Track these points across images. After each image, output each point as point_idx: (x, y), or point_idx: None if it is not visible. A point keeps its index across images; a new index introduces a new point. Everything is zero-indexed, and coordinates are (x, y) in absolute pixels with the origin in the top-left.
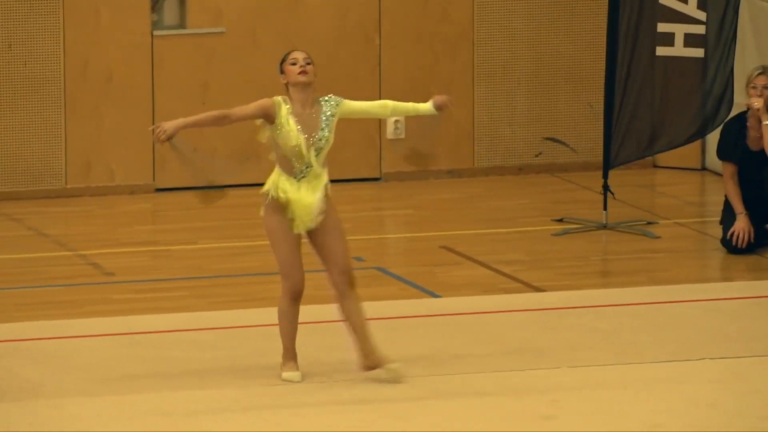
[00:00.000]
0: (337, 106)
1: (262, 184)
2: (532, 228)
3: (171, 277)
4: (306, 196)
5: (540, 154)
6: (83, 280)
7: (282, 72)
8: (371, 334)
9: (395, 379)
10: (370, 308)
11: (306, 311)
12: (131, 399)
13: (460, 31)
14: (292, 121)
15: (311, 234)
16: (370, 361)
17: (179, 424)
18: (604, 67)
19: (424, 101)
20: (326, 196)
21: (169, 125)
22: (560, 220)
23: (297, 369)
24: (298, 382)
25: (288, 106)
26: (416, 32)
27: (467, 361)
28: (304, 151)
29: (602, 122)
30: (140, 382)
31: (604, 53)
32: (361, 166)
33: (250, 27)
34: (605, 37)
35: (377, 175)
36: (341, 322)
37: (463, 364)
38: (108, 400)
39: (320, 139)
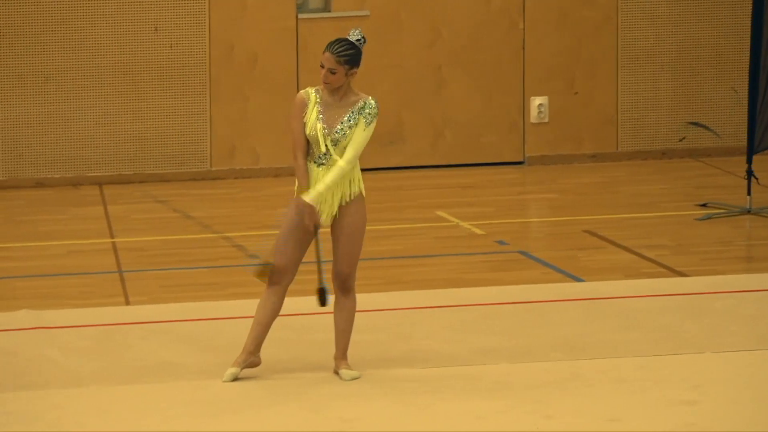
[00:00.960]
0: (367, 113)
1: (405, 168)
2: (676, 213)
3: (313, 260)
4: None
5: (683, 138)
6: (227, 262)
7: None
8: (347, 341)
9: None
10: (513, 292)
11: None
12: (279, 381)
13: (604, 15)
14: (316, 110)
15: (332, 226)
16: (336, 363)
17: (322, 407)
18: (748, 52)
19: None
20: (353, 194)
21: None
22: (704, 205)
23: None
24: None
25: (317, 96)
26: (560, 16)
27: (609, 345)
28: (320, 139)
29: (746, 107)
30: (282, 364)
31: (749, 37)
32: (504, 150)
33: (395, 10)
34: (750, 21)
35: (520, 159)
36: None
37: (605, 349)
38: (256, 381)
39: (338, 131)
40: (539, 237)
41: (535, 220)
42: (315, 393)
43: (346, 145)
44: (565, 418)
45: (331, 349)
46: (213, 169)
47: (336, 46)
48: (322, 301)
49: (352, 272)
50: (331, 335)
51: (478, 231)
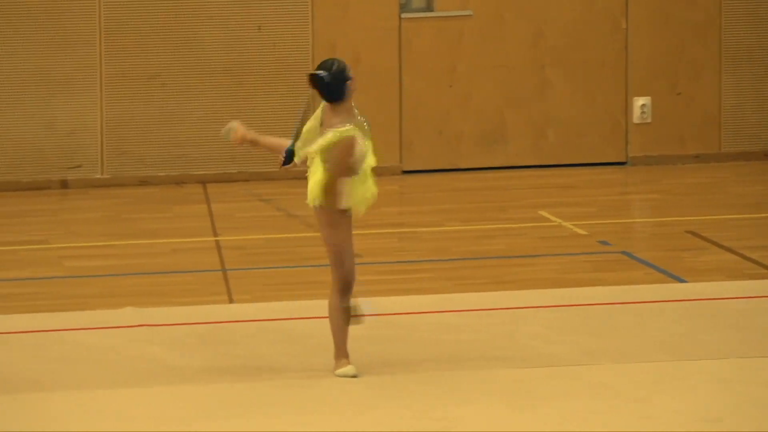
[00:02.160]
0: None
1: (507, 167)
2: None
3: (418, 259)
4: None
5: None
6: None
7: None
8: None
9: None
10: (616, 292)
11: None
12: (383, 380)
13: (707, 17)
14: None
15: None
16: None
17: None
18: None
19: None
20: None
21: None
22: None
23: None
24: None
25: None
26: (663, 17)
27: (712, 346)
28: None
29: None
30: (388, 365)
31: None
32: (607, 150)
33: (498, 10)
34: None
35: (623, 159)
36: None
37: (707, 350)
38: (359, 379)
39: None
40: (642, 237)
41: (637, 220)
42: (419, 392)
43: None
44: (666, 418)
45: (436, 349)
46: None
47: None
48: (286, 161)
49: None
50: (438, 336)
51: (580, 231)
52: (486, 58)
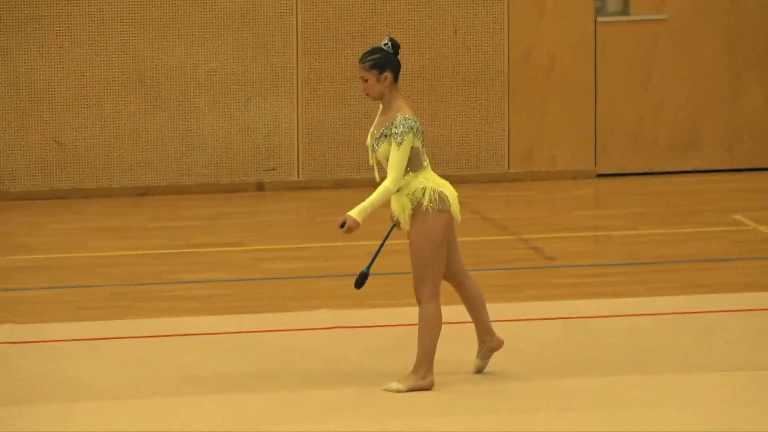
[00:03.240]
0: (393, 132)
1: (701, 171)
2: None
3: (611, 263)
4: (392, 202)
5: None
6: (525, 263)
7: None
8: (421, 352)
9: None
10: None
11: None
12: (567, 383)
13: None
14: (373, 124)
15: None
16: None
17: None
18: None
19: None
20: (408, 208)
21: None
22: None
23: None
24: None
25: (380, 110)
26: None
27: None
28: (369, 152)
29: None
30: (577, 366)
31: None
32: None
33: (695, 14)
34: None
35: None
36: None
37: None
38: (546, 383)
39: (375, 146)
40: None
41: None
42: (612, 397)
43: (387, 161)
44: None
45: (631, 353)
46: (511, 171)
47: (363, 56)
48: (357, 283)
49: (418, 285)
50: (632, 340)
51: None
52: (681, 63)
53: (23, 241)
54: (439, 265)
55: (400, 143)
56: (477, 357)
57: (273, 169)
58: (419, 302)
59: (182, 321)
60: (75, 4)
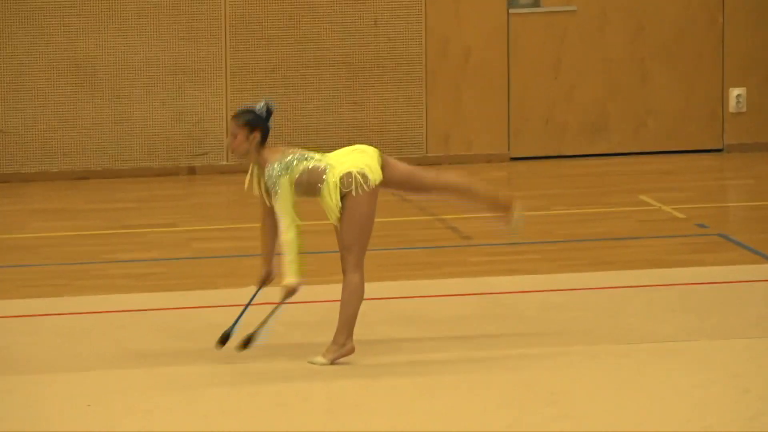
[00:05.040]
0: (270, 184)
1: (609, 155)
2: None
3: (525, 241)
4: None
5: None
6: (442, 243)
7: None
8: (342, 320)
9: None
10: (712, 273)
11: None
12: (480, 354)
13: None
14: (255, 179)
15: None
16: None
17: (532, 381)
18: None
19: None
20: (337, 200)
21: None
22: None
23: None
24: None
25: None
26: (759, 13)
27: None
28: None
29: None
30: (497, 341)
31: None
32: (705, 138)
33: (601, 6)
34: None
35: (719, 147)
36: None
37: None
38: (461, 354)
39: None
40: (738, 221)
41: (733, 204)
42: (525, 366)
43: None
44: (764, 392)
45: (543, 326)
46: (429, 155)
47: (236, 114)
48: (224, 341)
49: (344, 255)
50: (544, 314)
51: (678, 215)
52: (589, 53)
53: None
54: (366, 238)
55: (277, 191)
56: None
57: (205, 154)
58: (344, 272)
59: (118, 298)
60: None
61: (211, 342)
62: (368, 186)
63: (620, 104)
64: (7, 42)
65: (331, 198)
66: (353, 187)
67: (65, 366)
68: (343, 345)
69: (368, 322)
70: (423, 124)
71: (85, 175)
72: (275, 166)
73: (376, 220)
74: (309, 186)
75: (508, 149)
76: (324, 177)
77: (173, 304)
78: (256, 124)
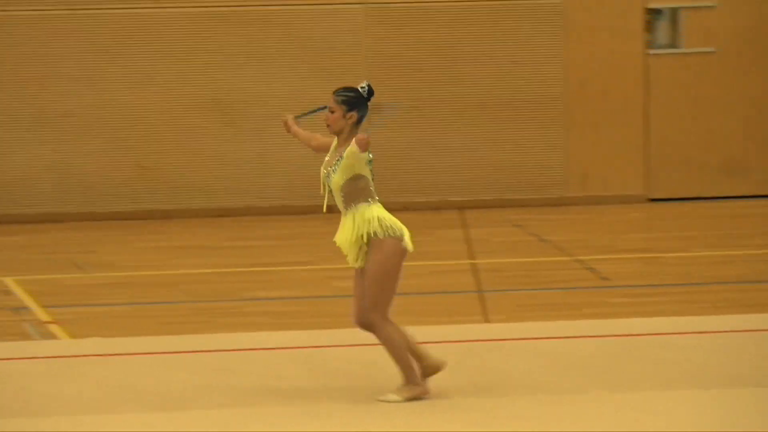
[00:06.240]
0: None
1: (751, 197)
2: None
3: (663, 283)
4: (340, 233)
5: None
6: (580, 284)
7: None
8: (400, 365)
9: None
10: None
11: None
12: (621, 397)
13: None
14: (329, 155)
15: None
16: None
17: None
18: None
19: None
20: (364, 241)
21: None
22: None
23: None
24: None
25: (335, 144)
26: None
27: None
28: (322, 182)
29: None
30: (631, 380)
31: None
32: None
33: (738, 47)
34: None
35: None
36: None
37: None
38: (599, 395)
39: (327, 176)
40: None
41: None
42: (670, 410)
43: (339, 192)
44: None
45: (688, 370)
46: (567, 195)
47: (339, 89)
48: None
49: (370, 313)
50: (681, 355)
51: None
52: (728, 94)
53: (108, 259)
54: (392, 292)
55: (352, 164)
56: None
57: None
58: (373, 328)
59: (258, 336)
60: (159, 35)
61: (351, 380)
62: (398, 237)
63: (760, 145)
64: (149, 81)
65: (362, 224)
66: (383, 229)
67: (212, 402)
68: (417, 385)
69: (507, 364)
70: (561, 165)
71: (224, 213)
72: (369, 154)
73: (516, 259)
74: (358, 188)
75: (646, 190)
76: (370, 200)
77: (313, 343)
78: (356, 104)
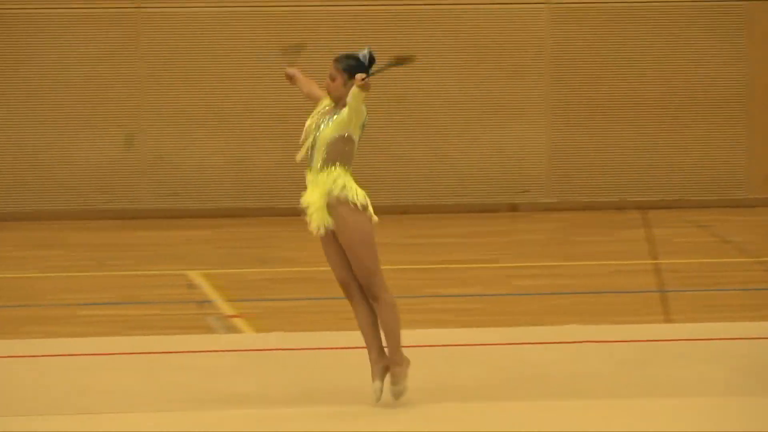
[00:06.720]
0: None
1: None
2: None
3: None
4: (310, 192)
5: None
6: (761, 285)
7: None
8: (392, 336)
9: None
10: None
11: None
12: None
13: None
14: (318, 114)
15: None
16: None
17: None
18: None
19: None
20: (332, 203)
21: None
22: None
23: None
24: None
25: (327, 106)
26: None
27: None
28: (307, 134)
29: None
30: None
31: None
32: None
33: None
34: None
35: None
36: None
37: None
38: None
39: (317, 127)
40: None
41: None
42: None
43: (325, 146)
44: None
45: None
46: (750, 196)
47: (339, 56)
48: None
49: (371, 280)
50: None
51: None
52: None
53: (289, 255)
54: (377, 254)
55: (358, 108)
56: (379, 380)
57: (526, 191)
58: (376, 297)
59: (437, 333)
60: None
61: (527, 380)
62: (366, 206)
63: None
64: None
65: (332, 185)
66: (352, 195)
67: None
68: (402, 362)
69: (684, 364)
70: (744, 166)
71: (405, 210)
72: (366, 116)
73: (698, 260)
74: (344, 151)
75: None
76: (347, 167)
77: (490, 340)
78: (357, 71)
